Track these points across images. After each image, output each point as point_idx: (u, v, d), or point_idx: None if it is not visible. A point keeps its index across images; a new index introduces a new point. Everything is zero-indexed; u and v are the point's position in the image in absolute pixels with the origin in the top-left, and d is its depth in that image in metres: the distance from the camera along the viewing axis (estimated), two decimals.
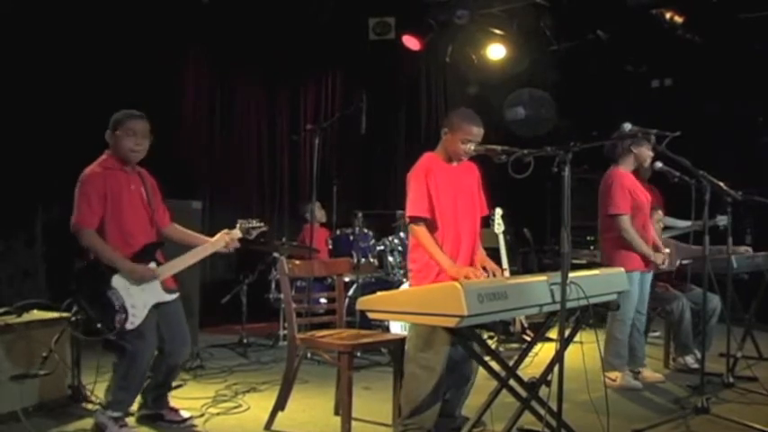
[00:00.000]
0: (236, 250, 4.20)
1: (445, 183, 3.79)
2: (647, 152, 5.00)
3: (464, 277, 3.42)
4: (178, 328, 4.00)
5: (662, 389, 5.06)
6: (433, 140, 3.96)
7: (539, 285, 3.15)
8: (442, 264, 3.62)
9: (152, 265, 3.87)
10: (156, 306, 3.85)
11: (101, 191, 3.77)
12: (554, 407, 3.12)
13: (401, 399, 3.78)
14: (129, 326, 3.70)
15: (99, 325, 3.68)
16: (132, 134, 3.85)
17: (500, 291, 2.94)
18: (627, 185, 5.00)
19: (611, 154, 5.14)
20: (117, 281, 3.74)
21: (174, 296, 3.96)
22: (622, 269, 3.90)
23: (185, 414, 4.13)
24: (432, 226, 3.74)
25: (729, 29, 7.63)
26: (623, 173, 5.06)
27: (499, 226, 6.49)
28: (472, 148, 3.72)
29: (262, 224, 4.25)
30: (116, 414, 3.78)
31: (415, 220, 3.72)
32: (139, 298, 3.77)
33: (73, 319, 3.80)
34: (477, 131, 3.76)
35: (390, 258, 6.75)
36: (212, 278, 7.72)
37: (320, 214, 7.36)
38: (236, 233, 4.12)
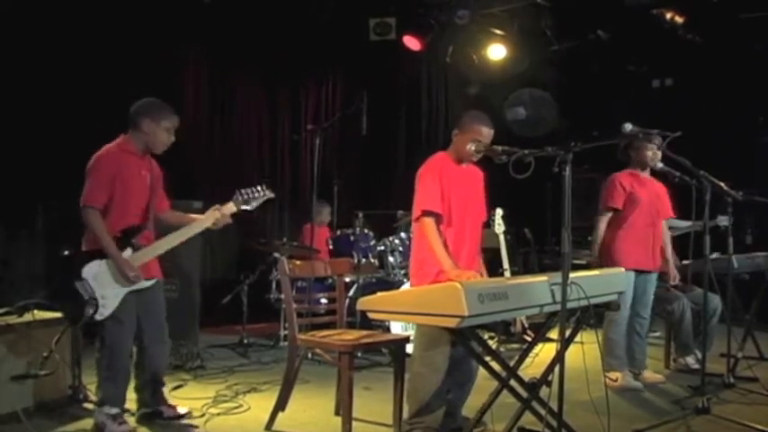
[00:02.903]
0: (237, 250, 4.18)
1: (456, 184, 3.82)
2: (647, 153, 5.01)
3: (464, 279, 3.41)
4: (156, 320, 4.00)
5: (662, 389, 5.05)
6: (434, 140, 3.98)
7: (539, 286, 3.15)
8: (443, 263, 3.63)
9: (128, 251, 3.82)
10: (136, 293, 3.83)
11: (112, 171, 3.78)
12: (555, 407, 3.12)
13: (406, 398, 3.79)
14: (98, 316, 3.69)
15: (68, 314, 3.71)
16: (170, 131, 3.90)
17: (501, 291, 2.93)
18: (621, 180, 5.06)
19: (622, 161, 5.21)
20: (87, 271, 3.72)
21: (152, 282, 3.92)
22: (623, 269, 3.90)
23: (183, 410, 4.15)
24: (438, 224, 3.75)
25: (730, 29, 7.63)
26: (623, 171, 5.09)
27: (500, 226, 6.49)
28: (473, 148, 3.73)
29: (266, 191, 4.08)
30: (113, 411, 3.78)
31: (426, 213, 3.73)
32: (111, 287, 3.75)
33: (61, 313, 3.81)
34: (487, 132, 3.80)
35: (391, 259, 6.75)
36: (213, 278, 7.72)
37: (325, 219, 7.36)
38: (230, 208, 4.02)
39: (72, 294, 3.70)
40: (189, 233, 4.00)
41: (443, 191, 3.76)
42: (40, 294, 4.13)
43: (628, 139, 4.90)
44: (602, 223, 5.08)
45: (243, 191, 4.06)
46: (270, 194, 4.11)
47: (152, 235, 4.01)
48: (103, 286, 3.74)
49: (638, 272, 5.01)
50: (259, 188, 4.07)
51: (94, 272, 3.73)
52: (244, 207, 4.06)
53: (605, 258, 5.03)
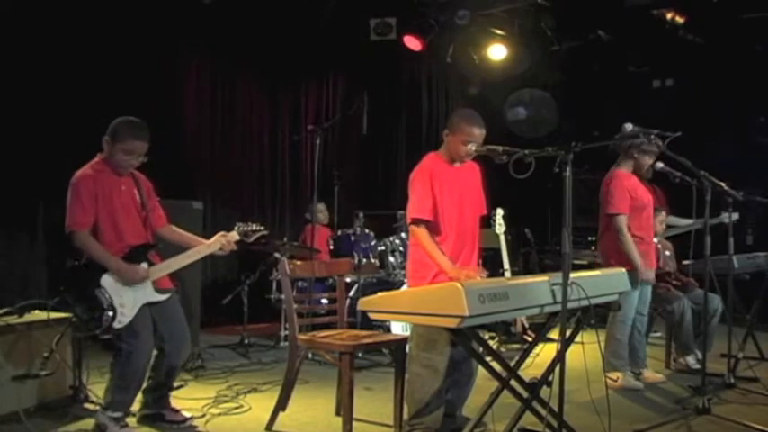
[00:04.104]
0: (238, 251, 4.19)
1: (449, 184, 3.79)
2: (647, 160, 5.02)
3: (464, 278, 3.42)
4: (177, 327, 4.01)
5: (663, 389, 5.05)
6: (434, 141, 3.97)
7: (540, 286, 3.15)
8: (442, 265, 3.62)
9: (143, 266, 3.87)
10: (150, 305, 3.86)
11: (92, 192, 3.78)
12: (555, 407, 3.13)
13: (406, 399, 3.79)
14: (116, 324, 3.70)
15: (86, 323, 3.69)
16: (129, 153, 3.85)
17: (501, 291, 2.93)
18: (626, 186, 5.02)
19: (614, 153, 5.18)
20: (106, 280, 3.75)
21: (167, 296, 3.94)
22: (623, 269, 3.90)
23: (186, 414, 4.14)
24: (434, 227, 3.74)
25: (730, 29, 7.63)
26: (624, 173, 5.08)
27: (500, 226, 6.48)
28: (473, 148, 3.72)
29: (262, 228, 4.22)
30: (116, 414, 3.78)
31: (416, 221, 3.72)
32: (129, 297, 3.77)
33: (74, 320, 3.81)
34: (479, 133, 3.74)
35: (391, 259, 6.75)
36: (213, 279, 7.73)
37: (323, 216, 7.37)
38: (233, 236, 4.10)
39: (90, 302, 3.71)
40: (197, 256, 4.04)
41: (435, 195, 3.73)
42: (53, 300, 4.12)
43: (631, 140, 4.90)
44: (624, 228, 4.94)
45: (241, 224, 4.18)
46: (264, 231, 4.24)
47: (159, 255, 4.04)
48: (121, 295, 3.76)
49: None
50: (254, 225, 4.20)
51: (111, 281, 3.76)
52: (244, 239, 4.17)
53: (608, 261, 5.02)
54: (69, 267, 3.84)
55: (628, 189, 5.01)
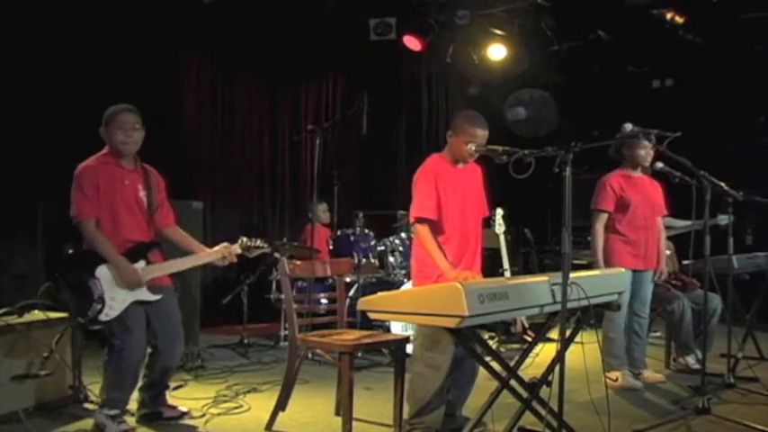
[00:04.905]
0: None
1: (452, 185, 3.81)
2: (641, 153, 5.02)
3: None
4: (171, 325, 4.02)
5: (663, 389, 5.05)
6: (434, 141, 3.98)
7: (539, 286, 3.15)
8: (441, 267, 3.63)
9: (141, 263, 3.88)
10: (141, 303, 3.86)
11: (93, 182, 3.81)
12: (555, 407, 3.12)
13: (407, 398, 3.79)
14: (103, 317, 3.72)
15: (74, 311, 3.71)
16: (121, 127, 3.88)
17: (501, 291, 2.93)
18: (612, 184, 5.07)
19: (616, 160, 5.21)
20: (101, 271, 3.76)
21: (159, 296, 3.94)
22: (623, 269, 3.90)
23: (183, 409, 4.17)
24: (437, 227, 3.75)
25: (730, 29, 7.64)
26: (616, 173, 5.14)
27: (500, 226, 6.49)
28: (473, 148, 3.72)
29: (265, 245, 4.24)
30: (113, 412, 3.79)
31: (420, 220, 3.73)
32: (120, 292, 3.78)
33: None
34: (482, 134, 3.75)
35: (391, 259, 6.75)
36: (213, 278, 7.72)
37: (324, 216, 7.37)
38: (236, 248, 4.12)
39: (81, 290, 3.72)
40: (197, 262, 4.07)
41: (439, 196, 3.75)
42: (44, 285, 4.13)
43: (625, 139, 4.91)
44: (599, 226, 5.07)
45: (245, 238, 4.19)
46: (267, 249, 4.27)
47: (162, 254, 4.04)
48: (113, 289, 3.77)
49: (633, 271, 5.02)
50: (259, 241, 4.21)
51: (106, 273, 3.77)
52: (245, 253, 4.19)
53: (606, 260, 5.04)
54: (66, 254, 3.85)
55: (613, 187, 5.06)
